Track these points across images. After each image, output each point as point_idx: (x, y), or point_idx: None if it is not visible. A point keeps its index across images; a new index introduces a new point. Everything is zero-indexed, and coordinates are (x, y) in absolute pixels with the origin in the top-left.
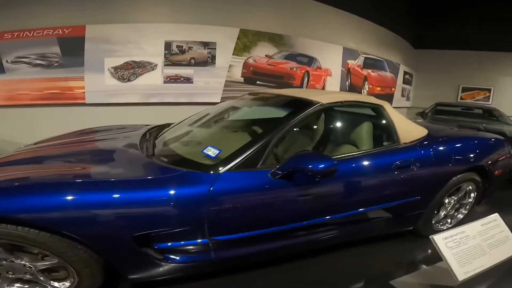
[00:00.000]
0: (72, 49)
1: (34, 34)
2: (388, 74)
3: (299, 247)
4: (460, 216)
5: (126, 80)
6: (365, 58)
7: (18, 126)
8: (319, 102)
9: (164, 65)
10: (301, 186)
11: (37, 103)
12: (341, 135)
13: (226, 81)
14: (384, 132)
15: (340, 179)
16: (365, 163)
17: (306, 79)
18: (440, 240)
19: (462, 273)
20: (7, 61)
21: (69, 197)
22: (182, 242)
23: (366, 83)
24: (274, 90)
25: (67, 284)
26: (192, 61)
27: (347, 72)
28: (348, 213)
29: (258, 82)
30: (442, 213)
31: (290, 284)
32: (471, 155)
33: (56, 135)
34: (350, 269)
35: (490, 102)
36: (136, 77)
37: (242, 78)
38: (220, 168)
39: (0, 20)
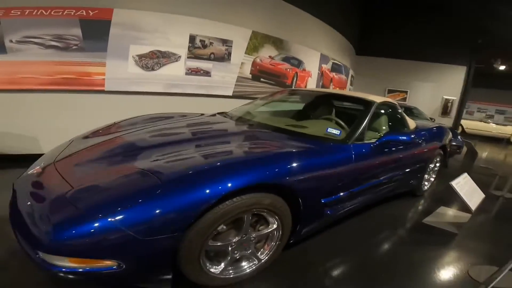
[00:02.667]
0: (96, 33)
1: (52, 12)
2: (343, 76)
3: (374, 200)
4: (432, 179)
5: (150, 69)
6: (333, 63)
7: (19, 114)
8: (376, 101)
9: (187, 58)
10: (384, 155)
11: (46, 89)
12: (378, 124)
13: (238, 76)
14: (400, 123)
15: (395, 151)
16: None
17: (295, 79)
18: (455, 185)
19: (472, 205)
20: (11, 41)
21: (297, 164)
22: (340, 194)
23: (331, 84)
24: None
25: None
26: (212, 56)
27: (321, 74)
28: (397, 174)
29: (261, 79)
30: (426, 177)
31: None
32: (441, 138)
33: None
34: (385, 218)
35: (406, 103)
36: (160, 66)
37: (250, 75)
38: (348, 141)
39: None
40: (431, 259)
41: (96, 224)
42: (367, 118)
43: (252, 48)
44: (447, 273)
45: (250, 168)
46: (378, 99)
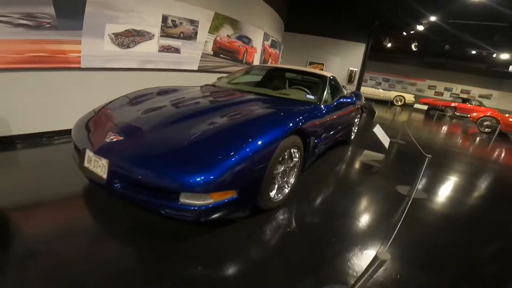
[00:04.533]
0: (70, 11)
1: None
2: (277, 51)
3: (331, 144)
4: (355, 130)
5: (126, 47)
6: (272, 40)
7: None
8: (329, 76)
9: (160, 36)
10: (338, 112)
11: (14, 68)
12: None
13: (202, 53)
14: (339, 90)
15: (343, 110)
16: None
17: (245, 54)
18: (376, 131)
19: (386, 146)
20: None
21: (304, 116)
22: (320, 138)
23: (270, 58)
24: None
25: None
26: (181, 34)
27: (263, 50)
28: (343, 126)
29: (221, 55)
30: (353, 129)
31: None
32: (361, 100)
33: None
34: (333, 159)
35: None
36: (135, 44)
37: (212, 52)
38: (319, 103)
39: None
40: (369, 182)
41: (227, 164)
42: (327, 87)
43: (213, 28)
44: (381, 191)
45: (291, 119)
46: (327, 74)
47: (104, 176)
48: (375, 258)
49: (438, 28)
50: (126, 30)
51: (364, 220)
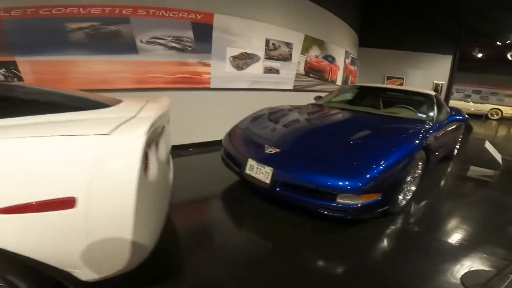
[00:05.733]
0: (203, 36)
1: (170, 14)
2: (355, 68)
3: (439, 159)
4: (458, 146)
5: (240, 68)
6: (351, 57)
7: None
8: (433, 94)
9: (264, 58)
10: (447, 129)
11: (167, 87)
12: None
13: (296, 73)
14: (444, 107)
15: (451, 126)
16: None
17: (330, 73)
18: (487, 146)
19: (500, 160)
20: (141, 41)
21: (426, 134)
22: (436, 153)
23: (350, 75)
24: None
25: None
26: (280, 56)
27: (344, 68)
28: (449, 142)
29: (310, 75)
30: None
31: None
32: (464, 116)
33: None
34: (440, 173)
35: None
36: (247, 66)
37: (304, 72)
38: (431, 122)
39: None
40: (480, 194)
41: (377, 170)
42: (436, 105)
43: (304, 49)
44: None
45: (420, 136)
46: (431, 92)
47: (268, 181)
48: None
49: None
50: (240, 53)
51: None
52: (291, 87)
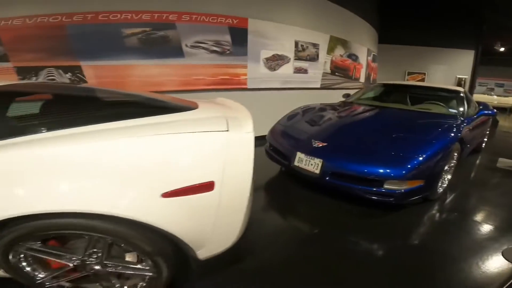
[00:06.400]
0: (239, 39)
1: (210, 19)
2: (376, 65)
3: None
4: (486, 139)
5: (273, 69)
6: (373, 55)
7: None
8: (462, 90)
9: (294, 59)
10: (477, 123)
11: (210, 88)
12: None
13: (322, 72)
14: (472, 102)
15: (481, 120)
16: None
17: (354, 71)
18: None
19: None
20: (186, 45)
21: (459, 127)
22: (468, 145)
23: (372, 72)
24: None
25: None
26: (307, 57)
27: (367, 65)
28: (480, 135)
29: (336, 73)
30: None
31: None
32: (491, 109)
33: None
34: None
35: (425, 82)
36: (279, 67)
37: (330, 71)
38: (463, 116)
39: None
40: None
41: (420, 159)
42: (465, 100)
43: (330, 49)
44: None
45: (456, 129)
46: (460, 88)
47: (317, 171)
48: None
49: None
50: (272, 55)
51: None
52: (318, 86)
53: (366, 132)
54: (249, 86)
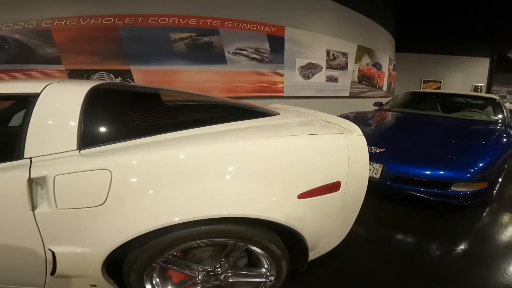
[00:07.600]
0: (277, 47)
1: (250, 27)
2: (395, 73)
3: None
4: None
5: (307, 78)
6: (393, 63)
7: None
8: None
9: (326, 68)
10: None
11: (249, 96)
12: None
13: (351, 81)
14: (506, 109)
15: None
16: None
17: (378, 79)
18: None
19: None
20: (228, 52)
21: (505, 133)
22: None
23: (392, 81)
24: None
25: None
26: (338, 66)
27: (388, 74)
28: None
29: (362, 82)
30: None
31: None
32: None
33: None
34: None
35: (441, 90)
36: (312, 76)
37: (357, 79)
38: (504, 124)
39: (219, 6)
40: None
41: (484, 163)
42: (503, 107)
43: (357, 58)
44: None
45: (508, 136)
46: (494, 96)
47: (377, 176)
48: None
49: None
50: (306, 63)
51: None
52: (347, 94)
53: (420, 137)
54: (285, 94)
